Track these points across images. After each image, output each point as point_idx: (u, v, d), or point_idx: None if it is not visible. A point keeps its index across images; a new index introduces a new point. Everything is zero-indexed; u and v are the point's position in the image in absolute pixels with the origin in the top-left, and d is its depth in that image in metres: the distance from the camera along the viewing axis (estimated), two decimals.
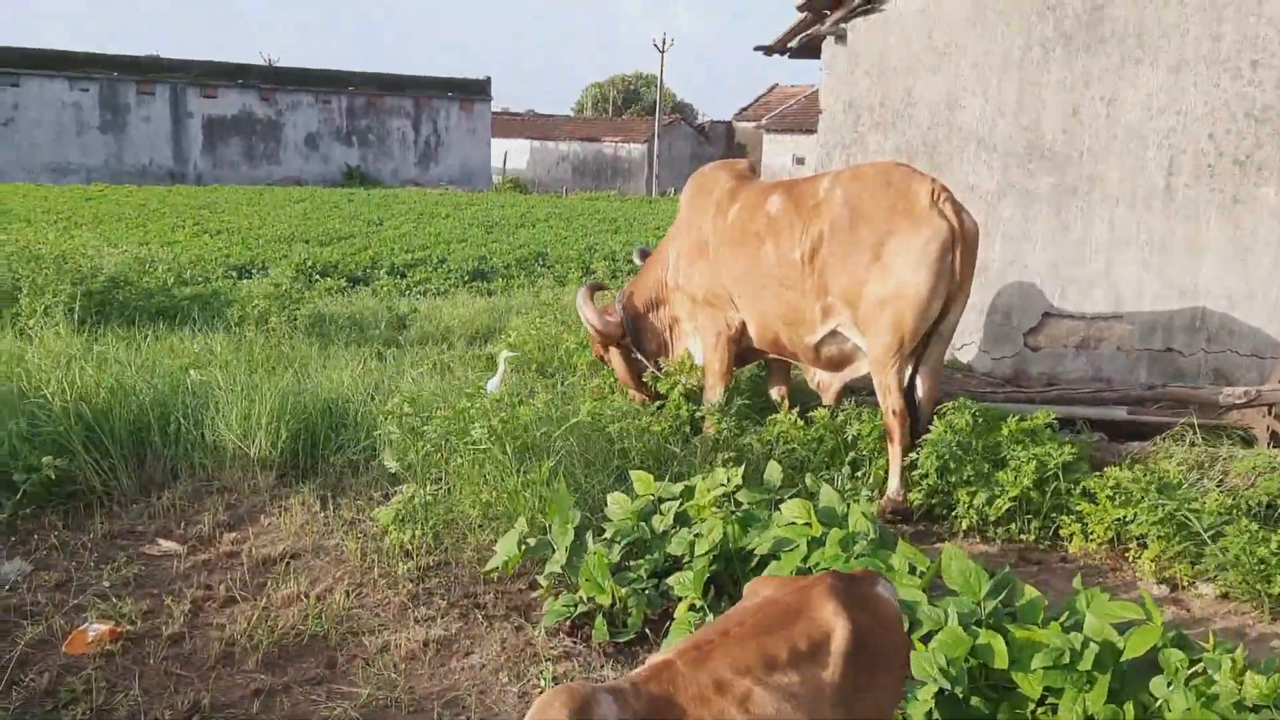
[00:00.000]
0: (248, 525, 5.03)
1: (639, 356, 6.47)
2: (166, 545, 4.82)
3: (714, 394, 5.88)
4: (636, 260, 7.00)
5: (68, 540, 4.80)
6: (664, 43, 51.11)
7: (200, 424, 5.76)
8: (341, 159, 50.33)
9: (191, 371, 6.53)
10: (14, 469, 5.09)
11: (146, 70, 46.58)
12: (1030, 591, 3.39)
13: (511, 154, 56.29)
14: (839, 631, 2.31)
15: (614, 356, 6.58)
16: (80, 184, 40.88)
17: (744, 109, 49.56)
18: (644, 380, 6.39)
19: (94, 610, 4.06)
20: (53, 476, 5.10)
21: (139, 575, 4.46)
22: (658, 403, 5.95)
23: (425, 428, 5.03)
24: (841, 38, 7.64)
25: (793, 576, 2.99)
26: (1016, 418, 5.03)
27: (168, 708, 3.38)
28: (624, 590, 3.87)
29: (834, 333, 5.43)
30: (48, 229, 16.82)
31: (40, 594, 4.23)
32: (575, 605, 3.89)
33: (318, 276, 13.05)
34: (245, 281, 11.45)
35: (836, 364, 5.67)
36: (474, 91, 53.01)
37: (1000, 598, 3.33)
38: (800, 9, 7.48)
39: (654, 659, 2.26)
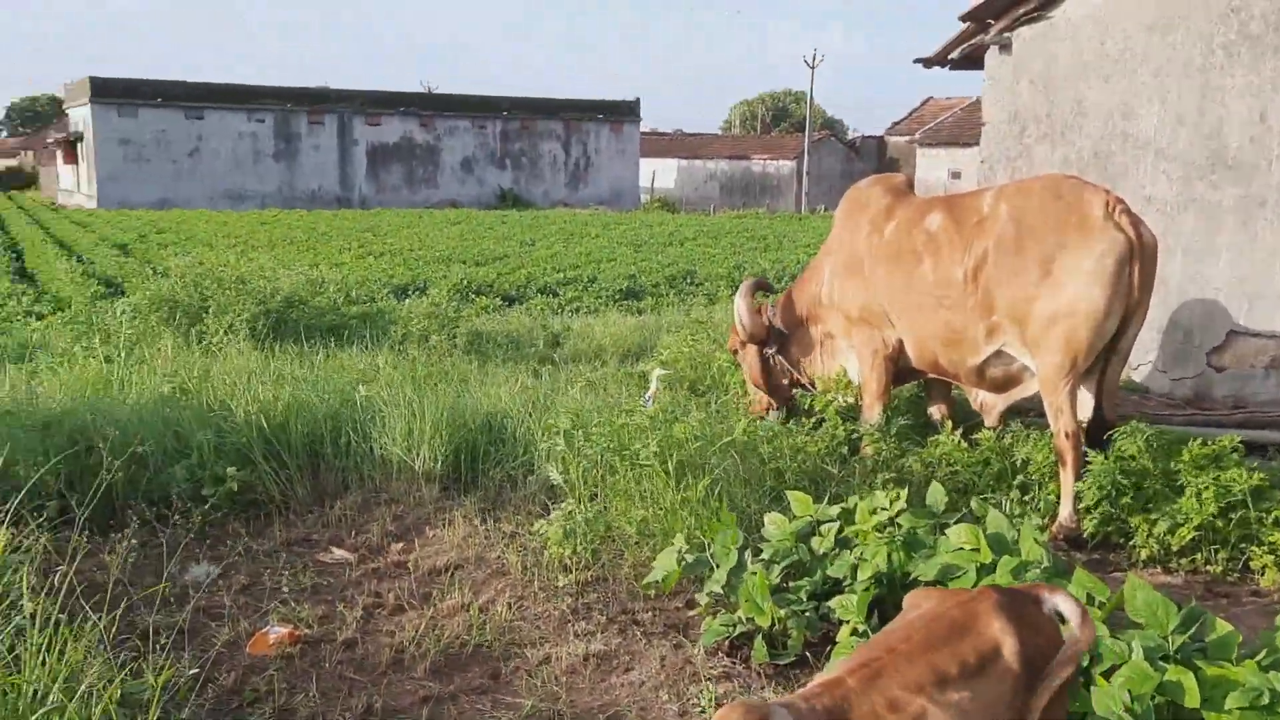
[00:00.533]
0: (414, 536, 5.20)
1: (778, 362, 6.41)
2: (339, 553, 5.03)
3: (872, 414, 5.77)
4: None
5: (250, 546, 5.06)
6: (814, 59, 50.67)
7: (369, 438, 6.00)
8: (495, 182, 51.84)
9: (360, 387, 6.81)
10: (203, 479, 5.40)
11: (317, 101, 49.16)
12: (1222, 626, 3.18)
13: (659, 173, 56.79)
14: (1007, 647, 2.24)
15: (749, 354, 6.54)
16: (256, 209, 43.40)
17: (896, 123, 48.66)
18: (781, 386, 6.34)
19: (275, 614, 4.26)
20: (235, 487, 5.40)
21: (315, 581, 4.66)
22: (813, 421, 5.88)
23: (585, 444, 5.10)
24: (1006, 47, 7.41)
25: (954, 589, 2.90)
26: (1199, 441, 4.74)
27: (344, 710, 3.52)
28: (783, 612, 3.82)
29: (999, 353, 5.26)
30: (227, 252, 17.87)
31: (227, 596, 4.47)
32: (734, 625, 3.87)
33: (474, 296, 13.46)
34: (407, 301, 11.88)
35: (1001, 385, 5.49)
36: (623, 113, 53.79)
37: (1190, 632, 3.13)
38: (963, 19, 7.30)
39: (823, 676, 2.22)
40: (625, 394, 7.07)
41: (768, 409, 6.27)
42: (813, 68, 51.44)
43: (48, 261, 18.79)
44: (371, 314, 10.47)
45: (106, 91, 45.18)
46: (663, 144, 60.50)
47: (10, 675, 2.57)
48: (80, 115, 48.01)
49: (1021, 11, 7.21)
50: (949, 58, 7.78)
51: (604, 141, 53.47)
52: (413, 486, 5.72)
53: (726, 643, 3.89)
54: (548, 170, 52.85)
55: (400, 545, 5.09)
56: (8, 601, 3.03)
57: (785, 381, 6.35)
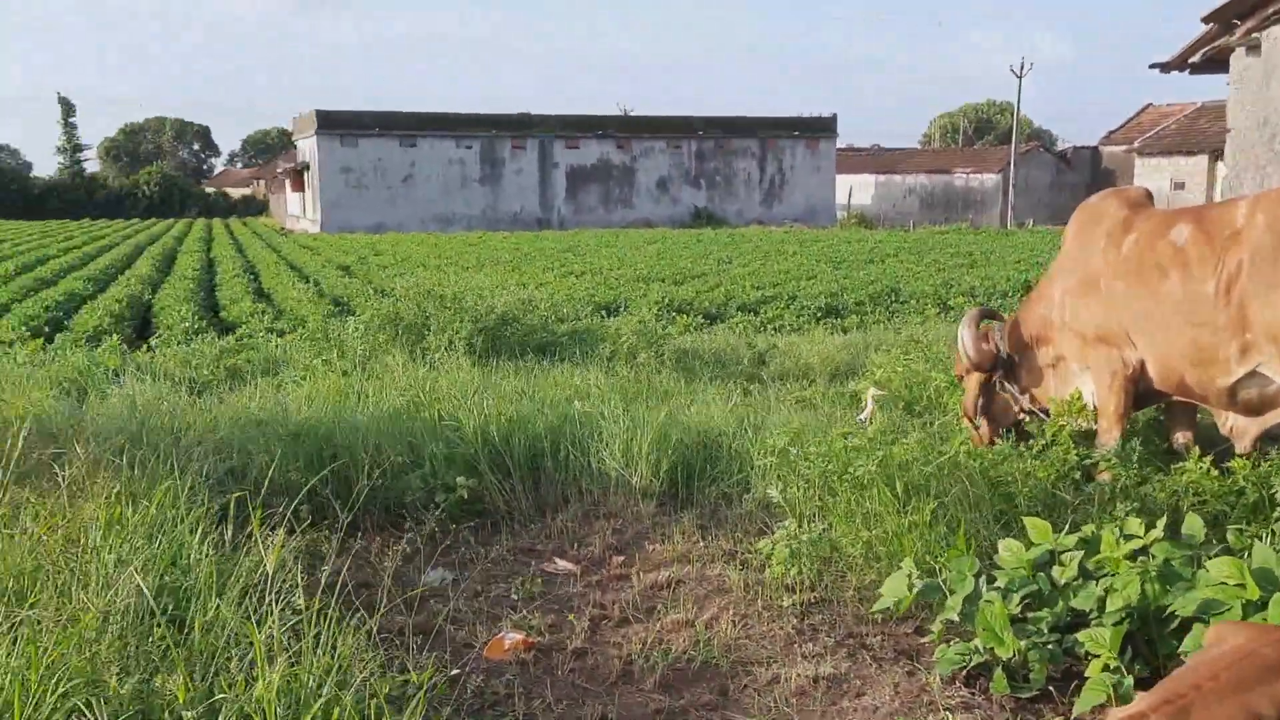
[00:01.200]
0: (633, 550, 5.28)
1: (1007, 390, 6.15)
2: (562, 564, 5.17)
3: (1109, 438, 5.45)
4: None
5: (479, 554, 5.28)
6: (1022, 68, 48.74)
7: (587, 452, 6.16)
8: (689, 201, 52.37)
9: (576, 403, 7.00)
10: (435, 487, 5.68)
11: (519, 127, 51.13)
12: None
13: (856, 189, 55.92)
14: None
15: (969, 382, 6.30)
16: (462, 231, 45.48)
17: (1112, 132, 46.10)
18: (1004, 414, 6.09)
19: (508, 620, 4.42)
20: (465, 496, 5.65)
21: (542, 591, 4.81)
22: (1041, 445, 5.61)
23: (804, 463, 5.06)
24: (1254, 48, 6.91)
25: (1267, 625, 2.70)
26: None
27: (579, 718, 3.61)
28: (1023, 643, 3.66)
29: (1254, 373, 4.88)
30: (442, 272, 18.79)
31: (461, 601, 4.68)
32: (970, 655, 3.73)
33: (675, 314, 13.60)
34: (612, 319, 12.14)
35: (1255, 408, 5.08)
36: (819, 129, 53.33)
37: None
38: (1206, 20, 6.85)
39: (1123, 711, 2.11)
40: (838, 413, 6.98)
41: (989, 441, 6.03)
42: (1020, 77, 49.48)
43: (282, 282, 20.26)
44: (579, 332, 10.76)
45: (331, 124, 48.49)
46: (859, 159, 59.59)
47: (293, 666, 2.77)
48: (307, 146, 51.68)
49: (1272, 10, 6.70)
50: (1189, 61, 7.32)
51: (799, 158, 53.16)
52: (630, 501, 5.82)
53: (963, 672, 3.76)
54: (742, 188, 52.98)
55: (620, 559, 5.18)
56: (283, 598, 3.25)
57: (1014, 409, 6.10)
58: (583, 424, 6.47)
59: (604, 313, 14.42)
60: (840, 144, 56.49)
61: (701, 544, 5.23)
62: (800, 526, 4.70)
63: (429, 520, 5.54)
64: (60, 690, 2.55)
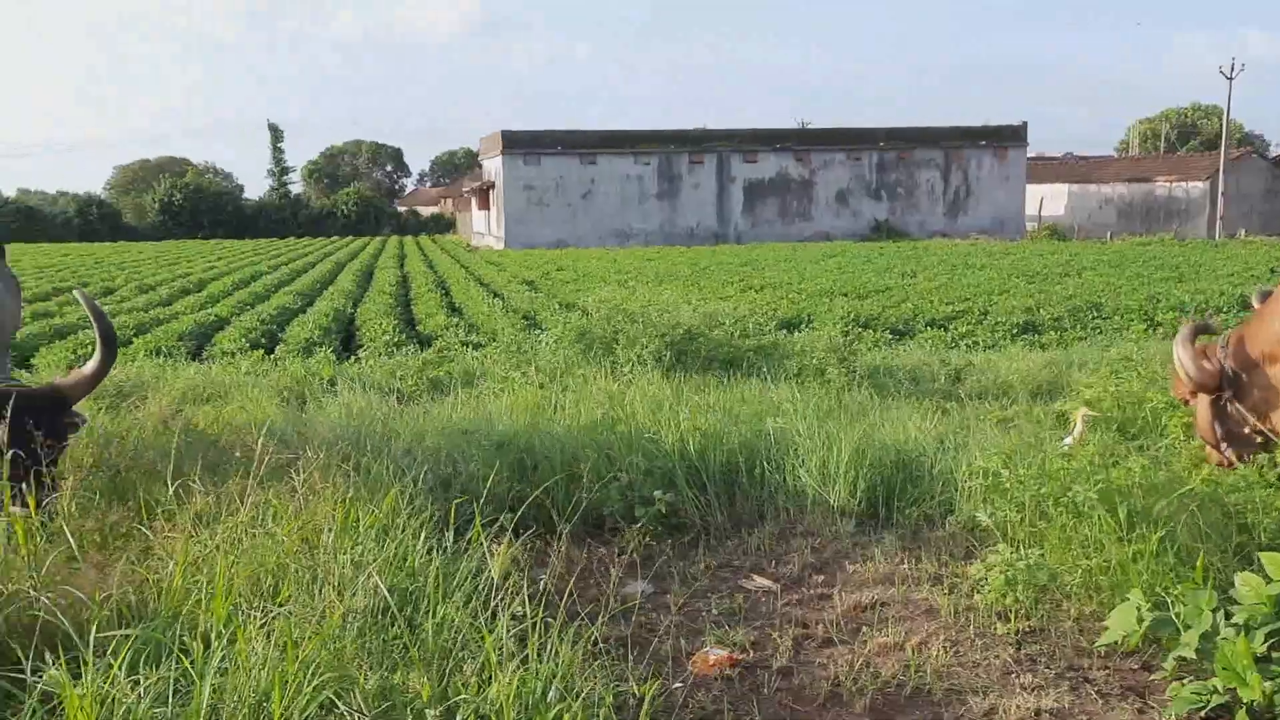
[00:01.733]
0: (833, 569, 5.21)
1: (1235, 409, 5.73)
2: (761, 581, 5.15)
3: None
4: (1255, 303, 6.22)
5: (678, 568, 5.31)
6: (1232, 69, 45.63)
7: (782, 469, 6.12)
8: (870, 213, 51.44)
9: (769, 419, 6.97)
10: (634, 500, 5.76)
11: (697, 142, 51.49)
12: None
13: (1047, 200, 53.60)
14: None
15: (1200, 404, 5.89)
16: (639, 246, 46.13)
17: None
18: (1241, 436, 5.65)
19: (710, 635, 4.43)
20: (663, 510, 5.71)
21: (742, 607, 4.80)
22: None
23: (1016, 486, 4.87)
24: None
25: None
26: None
27: None
28: (1268, 685, 3.40)
29: None
30: (626, 287, 19.08)
31: (662, 615, 4.72)
32: (1209, 695, 3.50)
33: (860, 329, 13.36)
34: (798, 335, 12.04)
35: None
36: (1008, 138, 51.45)
37: None
38: None
39: None
40: (1045, 435, 6.69)
41: (1229, 465, 5.63)
42: (1230, 79, 46.34)
43: (472, 297, 21.05)
44: (765, 347, 10.71)
45: (515, 143, 50.16)
46: (1051, 169, 57.13)
47: (522, 670, 2.86)
48: (492, 165, 53.62)
49: None
50: None
51: (986, 168, 51.42)
52: (828, 519, 5.75)
53: (1200, 714, 3.53)
54: (925, 200, 51.67)
55: (821, 578, 5.12)
56: (494, 602, 3.37)
57: (1246, 431, 5.69)
58: (777, 440, 6.44)
59: (787, 328, 14.33)
60: (1030, 153, 54.33)
61: (905, 566, 5.11)
62: (1020, 551, 4.51)
63: (628, 532, 5.63)
64: (314, 683, 2.71)
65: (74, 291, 4.60)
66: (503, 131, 50.57)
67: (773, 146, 51.27)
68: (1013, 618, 4.36)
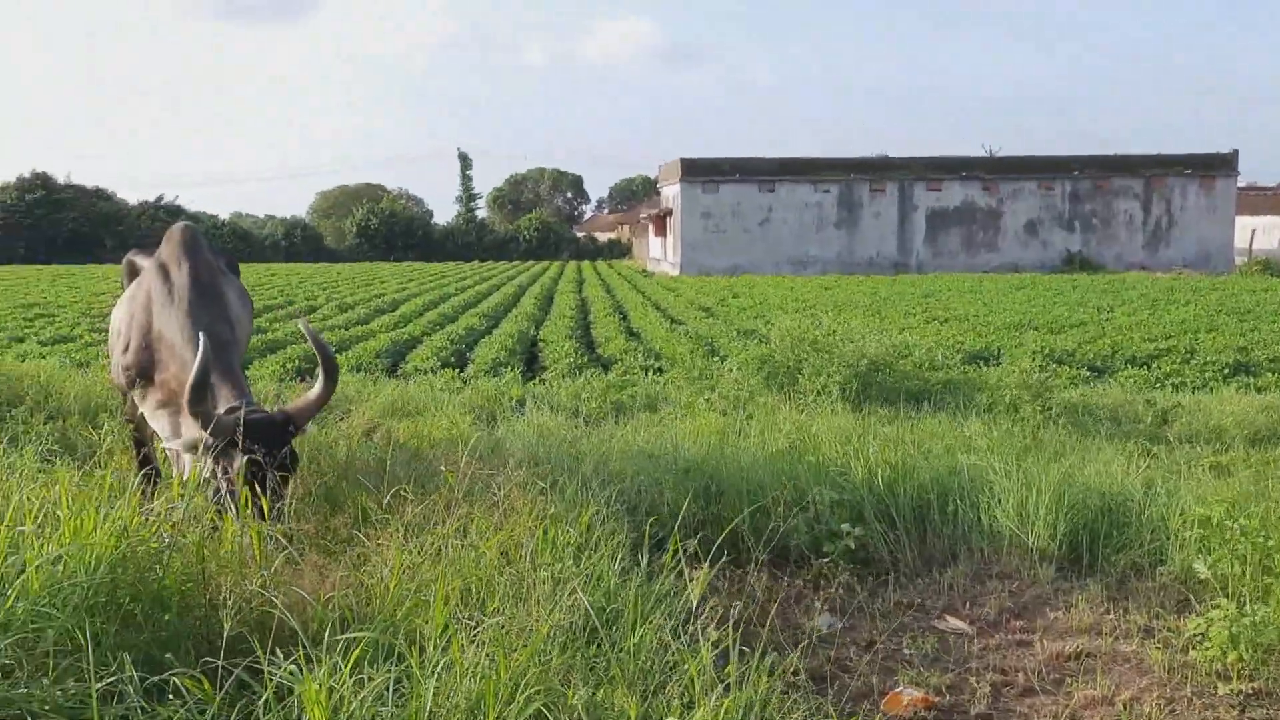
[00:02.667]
0: (1033, 615, 5.00)
1: None
2: (954, 623, 4.99)
3: None
4: None
5: (867, 604, 5.21)
6: None
7: (976, 507, 5.92)
8: (1061, 244, 49.33)
9: (961, 455, 6.75)
10: (821, 533, 5.69)
11: (878, 170, 50.68)
12: None
13: (1261, 232, 50.06)
14: None
15: None
16: (816, 275, 45.67)
17: None
18: None
19: (903, 675, 4.32)
20: (852, 545, 5.61)
21: (935, 648, 4.66)
22: None
23: (1240, 538, 4.56)
24: None
25: None
26: None
27: None
28: None
29: None
30: (806, 315, 18.90)
31: (852, 651, 4.64)
32: None
33: (1054, 365, 12.80)
34: (991, 369, 11.64)
35: None
36: (1216, 167, 48.41)
37: None
38: None
39: None
40: (1268, 484, 6.22)
41: None
42: None
43: (650, 321, 21.32)
44: (955, 380, 10.41)
45: (694, 171, 50.61)
46: (1266, 200, 53.35)
47: (724, 697, 2.86)
48: (671, 192, 54.25)
49: None
50: None
51: (1191, 199, 48.50)
52: (1025, 563, 5.52)
53: None
54: (1122, 231, 49.14)
55: (1019, 623, 4.92)
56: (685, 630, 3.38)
57: None
58: (970, 477, 6.24)
59: (974, 361, 13.88)
60: (1241, 182, 50.90)
61: (1111, 616, 4.85)
62: (1248, 607, 4.22)
63: (813, 565, 5.56)
64: (525, 693, 2.80)
65: (298, 323, 4.93)
66: (681, 159, 51.13)
67: (958, 175, 49.89)
68: (1235, 678, 4.07)
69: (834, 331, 10.95)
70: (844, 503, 5.92)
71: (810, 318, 19.10)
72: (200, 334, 4.82)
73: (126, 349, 5.45)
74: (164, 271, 5.42)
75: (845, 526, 5.67)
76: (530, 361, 16.50)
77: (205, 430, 4.54)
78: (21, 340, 17.75)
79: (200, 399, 4.54)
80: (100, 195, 74.96)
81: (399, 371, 14.14)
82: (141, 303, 5.45)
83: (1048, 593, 5.21)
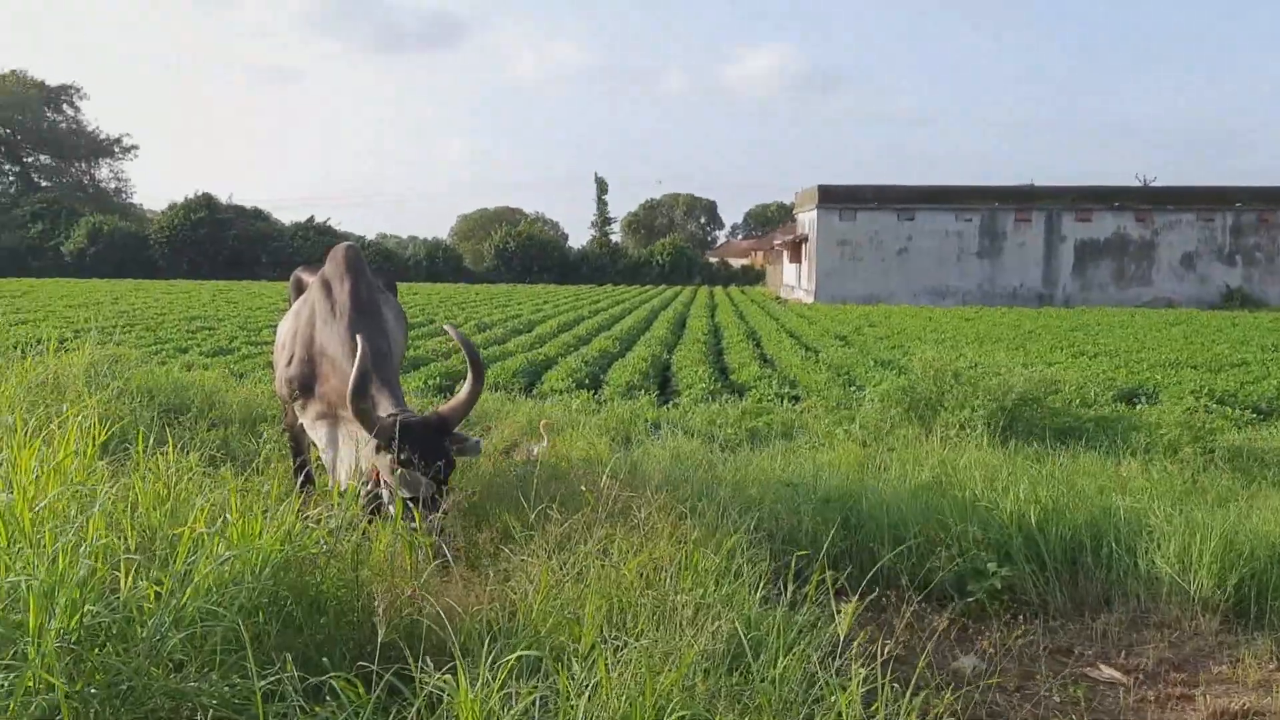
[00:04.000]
0: (1194, 669, 4.73)
1: None
2: (1109, 672, 4.76)
3: None
4: None
5: (1013, 646, 5.02)
6: None
7: (1133, 552, 5.64)
8: (1220, 279, 46.89)
9: (1117, 497, 6.46)
10: (967, 571, 5.51)
11: (1024, 199, 49.20)
12: None
13: None
14: None
15: None
16: (956, 305, 44.54)
17: None
18: None
19: None
20: (998, 585, 5.42)
21: (1087, 697, 4.45)
22: None
23: None
24: None
25: None
26: None
27: None
28: None
29: None
30: (950, 348, 18.46)
31: (999, 695, 4.47)
32: None
33: (1215, 405, 12.13)
34: (1145, 407, 11.12)
35: None
36: None
37: None
38: None
39: None
40: None
41: None
42: None
43: (784, 349, 21.15)
44: (1107, 418, 9.98)
45: (831, 197, 50.14)
46: None
47: None
48: (807, 219, 53.85)
49: None
50: None
51: None
52: (1186, 612, 5.23)
53: None
54: None
55: (1180, 675, 4.66)
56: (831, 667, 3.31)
57: None
58: (1127, 520, 5.95)
59: (1126, 399, 13.28)
60: None
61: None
62: None
63: (956, 603, 5.39)
64: (672, 718, 2.79)
65: (445, 327, 5.08)
66: (819, 185, 50.73)
67: (1110, 205, 47.96)
68: None
69: (976, 364, 10.65)
70: (990, 541, 5.74)
71: (952, 349, 18.64)
72: (359, 337, 5.01)
73: (290, 361, 5.71)
74: (327, 288, 5.67)
75: (992, 565, 5.49)
76: (663, 385, 16.57)
77: (368, 430, 4.70)
78: (185, 351, 18.78)
79: (362, 394, 4.70)
80: (258, 215, 79.00)
81: (535, 391, 14.39)
82: (306, 318, 5.71)
83: (1211, 645, 4.93)
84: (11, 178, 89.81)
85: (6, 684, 2.54)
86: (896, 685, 3.32)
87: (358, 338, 5.03)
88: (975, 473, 6.95)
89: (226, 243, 74.00)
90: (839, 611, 3.42)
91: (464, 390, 5.12)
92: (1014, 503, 6.03)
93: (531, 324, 29.52)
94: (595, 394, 13.33)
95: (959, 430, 8.98)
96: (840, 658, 3.34)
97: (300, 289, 6.65)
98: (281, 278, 62.42)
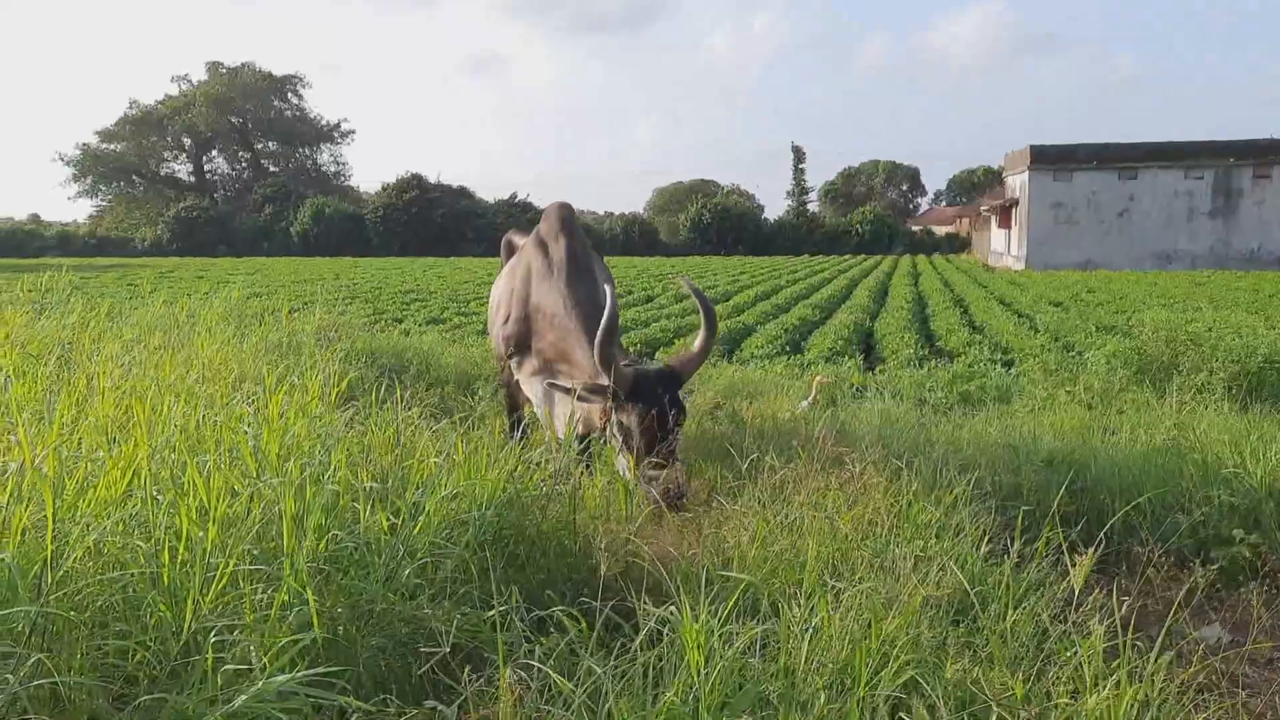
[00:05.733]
0: None
1: None
2: None
3: None
4: None
5: (1263, 618, 4.62)
6: None
7: None
8: None
9: None
10: (1208, 537, 5.13)
11: (1264, 154, 45.16)
12: None
13: None
14: None
15: None
16: (1184, 270, 41.49)
17: None
18: None
19: None
20: (1245, 553, 5.00)
21: None
22: None
23: None
24: None
25: None
26: None
27: None
28: None
29: None
30: (1175, 311, 17.22)
31: (1247, 667, 4.13)
32: None
33: None
34: None
35: None
36: None
37: None
38: None
39: None
40: None
41: None
42: None
43: (994, 316, 20.30)
44: None
45: (1045, 158, 47.58)
46: None
47: (1114, 691, 2.62)
48: (1017, 182, 51.34)
49: None
50: None
51: None
52: None
53: None
54: None
55: None
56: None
57: None
58: None
59: None
60: None
61: None
62: None
63: (1196, 569, 5.01)
64: (895, 665, 2.71)
65: (679, 279, 5.05)
66: (1031, 146, 48.21)
67: None
68: None
69: (1212, 327, 9.86)
70: (1236, 507, 5.30)
71: (1183, 313, 17.35)
72: (607, 287, 5.07)
73: (507, 320, 5.88)
74: (543, 247, 5.79)
75: (1238, 533, 5.07)
76: (866, 353, 16.22)
77: (608, 377, 4.70)
78: (400, 321, 19.82)
79: (610, 340, 4.74)
80: (463, 193, 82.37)
81: (734, 358, 14.37)
82: (522, 276, 5.85)
83: None
84: (244, 163, 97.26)
85: (266, 598, 2.72)
86: (1139, 644, 3.11)
87: (605, 288, 5.09)
88: (1217, 436, 6.44)
89: (435, 220, 77.53)
90: (1073, 565, 3.22)
91: (697, 342, 5.07)
92: (1264, 469, 5.54)
93: (728, 294, 29.49)
94: (797, 358, 13.18)
95: (1195, 394, 8.34)
96: (1075, 612, 3.15)
97: (511, 251, 6.85)
98: (486, 253, 64.95)
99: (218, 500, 2.83)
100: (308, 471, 3.19)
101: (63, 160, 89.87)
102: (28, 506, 2.62)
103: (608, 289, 5.04)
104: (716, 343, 15.90)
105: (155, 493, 2.88)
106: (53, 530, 2.51)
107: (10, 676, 2.25)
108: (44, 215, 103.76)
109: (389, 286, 32.78)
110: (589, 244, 6.08)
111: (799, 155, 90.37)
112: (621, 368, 4.75)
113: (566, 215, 5.87)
